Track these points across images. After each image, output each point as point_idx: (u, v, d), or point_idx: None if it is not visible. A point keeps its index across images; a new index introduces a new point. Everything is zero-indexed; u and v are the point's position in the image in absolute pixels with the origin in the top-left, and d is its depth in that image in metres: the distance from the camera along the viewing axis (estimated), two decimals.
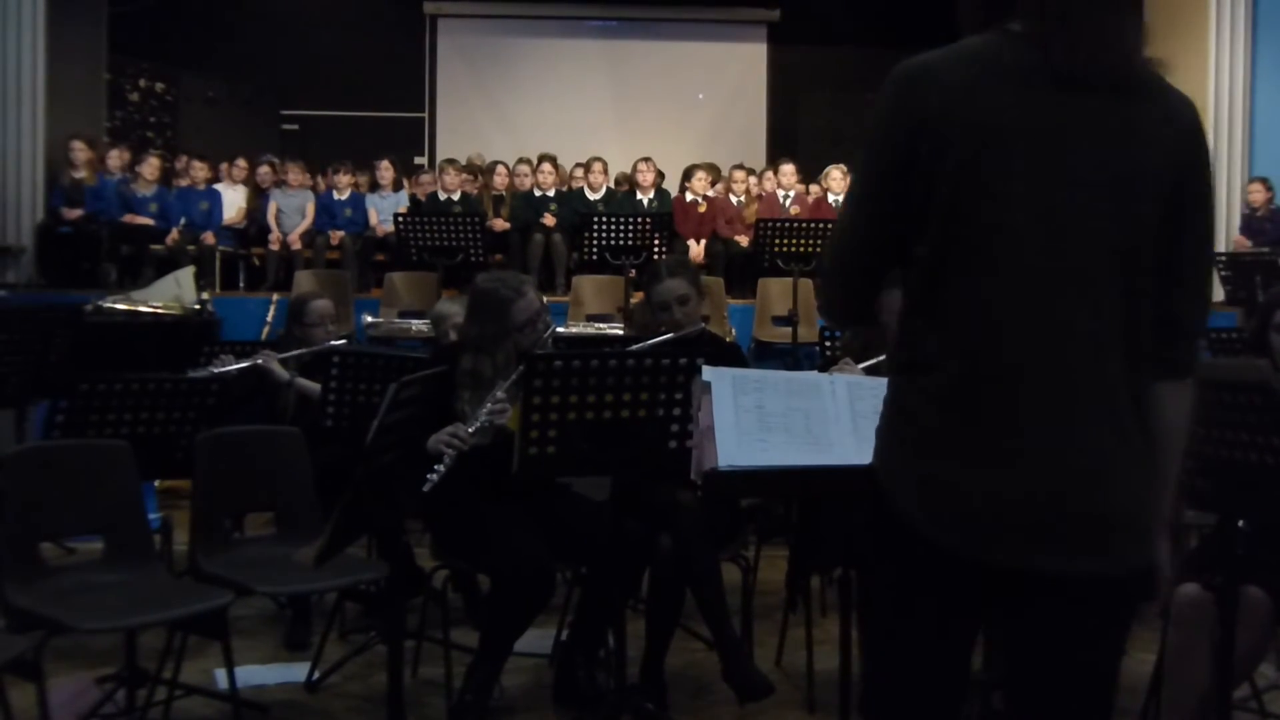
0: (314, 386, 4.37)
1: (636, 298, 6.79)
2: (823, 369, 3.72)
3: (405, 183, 9.76)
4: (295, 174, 9.51)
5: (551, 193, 9.25)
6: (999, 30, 1.54)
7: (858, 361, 3.48)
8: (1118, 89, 1.51)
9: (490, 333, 3.43)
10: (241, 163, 9.77)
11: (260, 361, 4.48)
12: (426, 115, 12.85)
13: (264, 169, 9.65)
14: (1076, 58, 1.49)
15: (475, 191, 9.56)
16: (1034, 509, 1.49)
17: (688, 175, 9.28)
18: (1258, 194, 9.06)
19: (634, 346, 3.42)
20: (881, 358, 3.40)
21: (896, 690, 1.63)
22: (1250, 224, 9.10)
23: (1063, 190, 1.49)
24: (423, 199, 9.45)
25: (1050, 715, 1.61)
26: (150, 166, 9.24)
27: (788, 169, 9.39)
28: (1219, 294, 8.75)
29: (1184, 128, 1.55)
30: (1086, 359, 1.50)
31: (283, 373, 4.49)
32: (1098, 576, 1.52)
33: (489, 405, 3.29)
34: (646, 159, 9.26)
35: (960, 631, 1.61)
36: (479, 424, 3.26)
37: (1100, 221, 1.50)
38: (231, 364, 4.40)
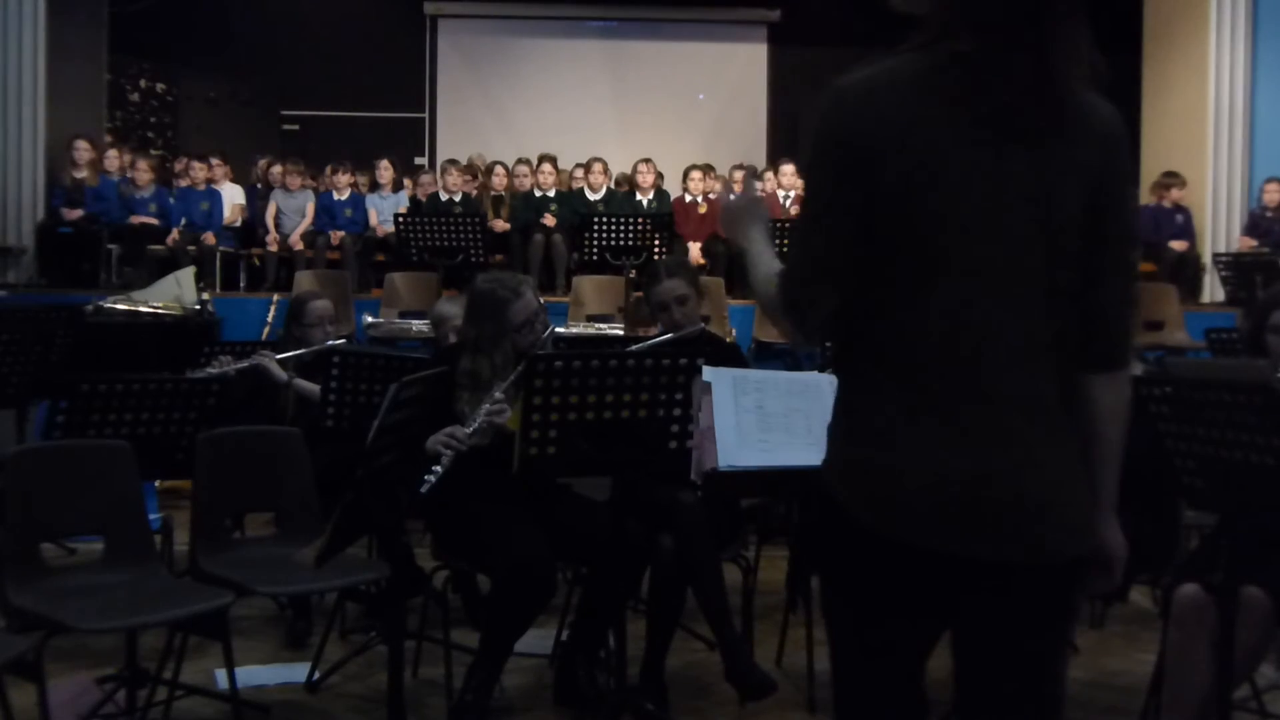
0: (312, 387, 4.36)
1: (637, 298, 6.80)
2: (823, 369, 3.72)
3: (406, 183, 9.75)
4: (295, 174, 9.50)
5: (552, 193, 9.24)
6: (937, 50, 1.56)
7: None
8: (1050, 122, 1.56)
9: (488, 333, 3.43)
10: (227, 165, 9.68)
11: (258, 362, 4.47)
12: (426, 115, 12.84)
13: (276, 169, 9.60)
14: (1012, 92, 1.53)
15: (475, 192, 9.55)
16: (962, 496, 1.55)
17: (686, 176, 9.28)
18: (1273, 194, 9.03)
19: (634, 347, 3.42)
20: None
21: (862, 690, 1.69)
22: (1258, 224, 9.10)
23: (995, 213, 1.56)
24: (422, 199, 9.44)
25: (995, 705, 1.65)
26: (143, 168, 9.23)
27: (788, 169, 9.39)
28: (1219, 294, 8.76)
29: (1108, 136, 1.62)
30: (1017, 358, 1.58)
31: (280, 373, 4.48)
32: (1031, 565, 1.57)
33: (487, 406, 3.29)
34: (646, 160, 9.27)
35: (912, 630, 1.65)
36: (476, 425, 3.25)
37: (1027, 236, 1.57)
38: (229, 365, 4.39)
